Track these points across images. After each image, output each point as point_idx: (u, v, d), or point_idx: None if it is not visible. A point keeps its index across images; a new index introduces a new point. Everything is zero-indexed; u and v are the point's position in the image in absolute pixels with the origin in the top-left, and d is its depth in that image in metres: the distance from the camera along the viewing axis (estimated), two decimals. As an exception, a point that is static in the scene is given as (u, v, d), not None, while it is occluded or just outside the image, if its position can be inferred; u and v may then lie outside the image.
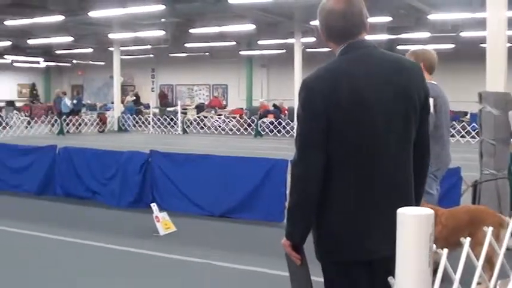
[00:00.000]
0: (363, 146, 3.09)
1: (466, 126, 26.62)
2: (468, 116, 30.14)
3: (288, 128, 29.85)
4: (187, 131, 32.17)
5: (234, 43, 33.65)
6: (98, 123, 34.09)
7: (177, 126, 32.14)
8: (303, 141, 3.13)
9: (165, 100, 43.47)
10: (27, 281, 7.03)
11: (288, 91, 32.41)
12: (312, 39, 29.25)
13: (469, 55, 32.42)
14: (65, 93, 35.70)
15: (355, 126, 3.06)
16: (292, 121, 29.93)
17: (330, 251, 3.21)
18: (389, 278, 2.54)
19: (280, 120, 31.01)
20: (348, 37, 3.21)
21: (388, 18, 22.96)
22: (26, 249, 8.46)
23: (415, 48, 6.82)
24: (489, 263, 5.50)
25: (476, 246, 4.89)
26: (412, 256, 2.18)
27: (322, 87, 3.07)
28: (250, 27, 26.25)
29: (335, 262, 3.22)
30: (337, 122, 3.04)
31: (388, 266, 3.18)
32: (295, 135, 3.24)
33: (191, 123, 34.17)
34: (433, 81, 6.29)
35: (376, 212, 3.12)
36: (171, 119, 32.94)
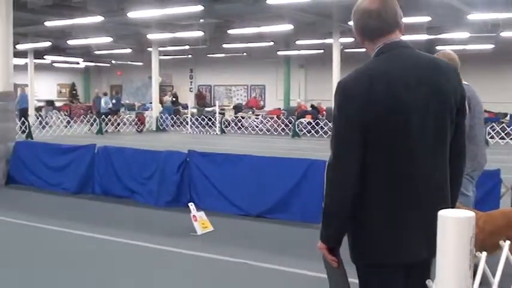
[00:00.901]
0: (398, 147, 3.06)
1: (506, 127, 26.25)
2: (508, 117, 29.76)
3: (325, 128, 29.72)
4: (225, 131, 32.25)
5: (272, 43, 33.61)
6: (136, 123, 34.35)
7: (215, 127, 32.21)
8: (339, 143, 3.12)
9: (202, 100, 43.65)
10: (65, 278, 7.11)
11: (326, 91, 32.28)
12: (351, 40, 29.11)
13: (509, 55, 32.08)
14: (105, 94, 36.06)
15: (390, 127, 3.03)
16: (330, 122, 29.77)
17: (364, 253, 3.17)
18: (428, 281, 2.52)
19: (318, 120, 30.91)
20: (382, 36, 3.21)
21: (427, 18, 22.73)
22: (65, 247, 8.54)
23: (442, 49, 6.78)
24: None
25: None
26: (453, 259, 2.16)
27: (358, 88, 3.05)
28: (288, 27, 26.19)
29: (369, 265, 3.19)
30: (372, 123, 3.02)
31: (424, 269, 3.15)
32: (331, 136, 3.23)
33: (229, 123, 34.25)
34: (465, 82, 6.18)
35: (412, 214, 3.09)
36: (209, 119, 33.07)
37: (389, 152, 3.06)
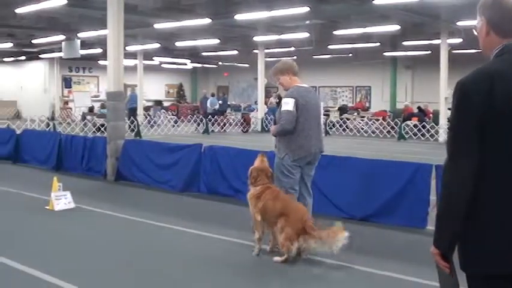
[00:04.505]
0: None
1: None
2: None
3: (432, 131, 29.20)
4: (330, 132, 32.11)
5: (378, 44, 33.20)
6: (241, 124, 34.73)
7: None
8: (454, 145, 3.04)
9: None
10: (168, 273, 7.26)
11: (433, 94, 31.65)
12: (459, 40, 28.43)
13: None
14: (213, 95, 36.64)
15: (510, 129, 2.94)
16: (437, 125, 29.23)
17: (474, 262, 3.05)
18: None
19: (424, 123, 30.36)
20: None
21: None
22: (172, 243, 8.71)
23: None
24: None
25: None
26: None
27: (477, 89, 2.97)
28: (394, 27, 25.86)
29: (479, 274, 3.07)
30: (491, 124, 2.93)
31: None
32: (446, 138, 3.15)
33: (334, 125, 34.10)
34: (304, 84, 8.87)
35: None
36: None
37: (507, 154, 2.96)
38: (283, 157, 8.38)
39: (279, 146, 8.52)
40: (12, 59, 44.53)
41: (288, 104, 8.32)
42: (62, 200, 11.01)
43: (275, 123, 8.89)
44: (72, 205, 11.05)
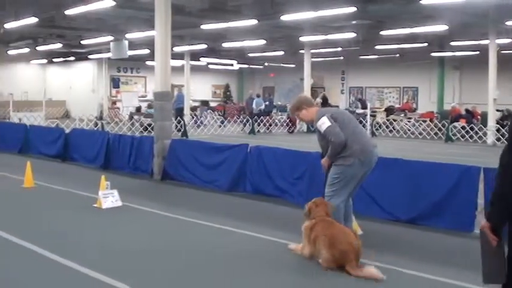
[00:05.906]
0: None
1: None
2: None
3: (480, 133, 28.80)
4: (376, 134, 31.89)
5: (426, 44, 32.90)
6: (287, 124, 34.71)
7: (366, 129, 31.95)
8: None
9: (326, 105, 43.42)
10: (222, 274, 7.31)
11: (481, 95, 31.19)
12: (507, 40, 27.97)
13: None
14: (258, 96, 36.73)
15: None
16: (485, 126, 28.82)
17: None
18: None
19: (472, 125, 29.96)
20: None
21: None
22: (220, 242, 8.73)
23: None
24: None
25: None
26: None
27: None
28: (442, 27, 25.57)
29: None
30: None
31: None
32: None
33: (380, 126, 33.87)
34: None
35: None
36: (360, 122, 32.83)
37: None
38: (351, 163, 8.26)
39: (339, 158, 8.34)
40: (61, 59, 45.22)
41: (324, 123, 8.36)
42: (109, 198, 11.18)
43: (322, 156, 8.72)
44: (119, 203, 11.21)
